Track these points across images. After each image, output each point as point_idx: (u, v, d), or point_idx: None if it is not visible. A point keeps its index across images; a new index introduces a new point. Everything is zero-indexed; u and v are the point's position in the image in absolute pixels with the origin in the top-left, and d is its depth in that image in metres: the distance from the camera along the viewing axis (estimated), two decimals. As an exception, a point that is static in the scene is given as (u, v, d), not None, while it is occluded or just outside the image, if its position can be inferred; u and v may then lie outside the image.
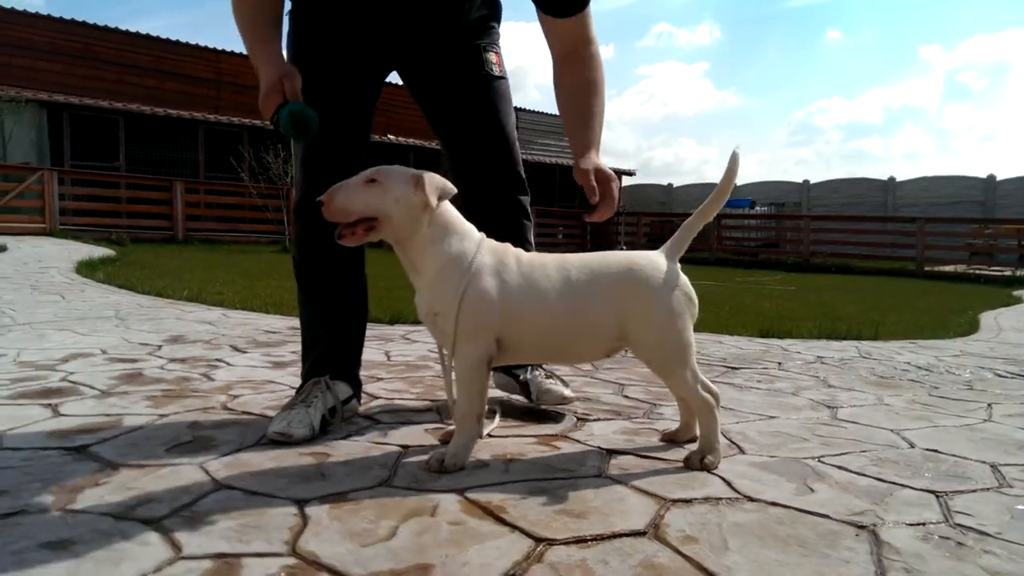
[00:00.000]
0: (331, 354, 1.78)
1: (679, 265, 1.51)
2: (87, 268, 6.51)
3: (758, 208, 20.72)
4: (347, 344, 1.82)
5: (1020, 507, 1.30)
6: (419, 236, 1.43)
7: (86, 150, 14.91)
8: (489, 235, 1.52)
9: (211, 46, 18.04)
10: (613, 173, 1.64)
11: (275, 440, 1.55)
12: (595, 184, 1.61)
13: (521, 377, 1.93)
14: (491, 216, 1.75)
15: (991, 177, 20.44)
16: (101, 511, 1.16)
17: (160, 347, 2.75)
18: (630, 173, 25.11)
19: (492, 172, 1.86)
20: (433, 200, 1.39)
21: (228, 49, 18.22)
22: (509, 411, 1.89)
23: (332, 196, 1.39)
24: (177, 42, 17.57)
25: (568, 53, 1.75)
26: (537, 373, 1.93)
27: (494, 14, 1.92)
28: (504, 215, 1.84)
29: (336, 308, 1.81)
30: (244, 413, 1.80)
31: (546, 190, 21.83)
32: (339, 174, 1.57)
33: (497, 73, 1.88)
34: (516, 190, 1.90)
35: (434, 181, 1.42)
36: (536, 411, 1.91)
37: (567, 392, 1.91)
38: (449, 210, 1.47)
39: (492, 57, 1.88)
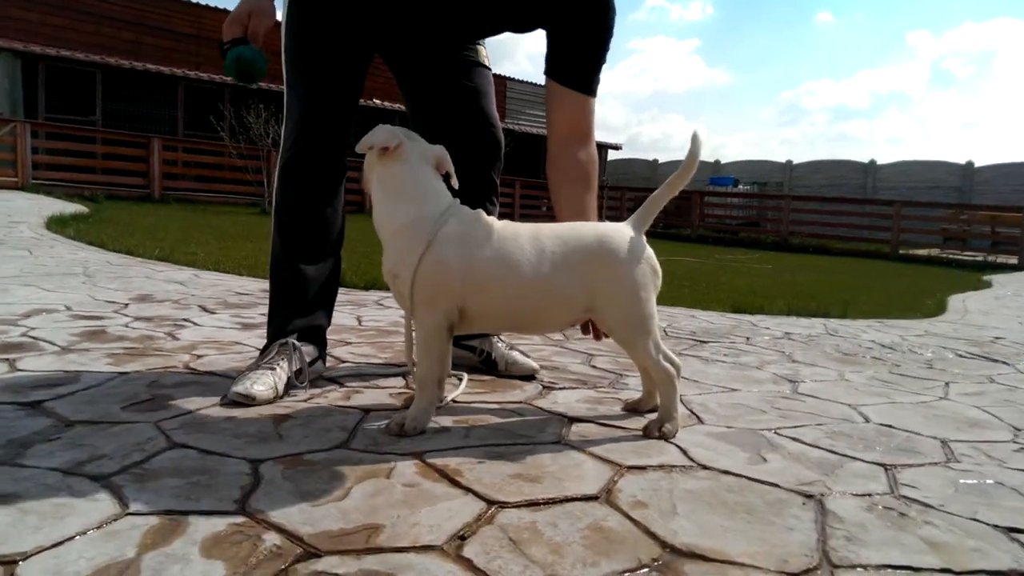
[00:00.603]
0: (301, 316, 1.76)
1: (645, 237, 1.51)
2: (58, 224, 6.38)
3: (741, 187, 20.78)
4: (319, 306, 1.81)
5: (964, 481, 1.33)
6: (375, 192, 1.47)
7: (61, 103, 14.53)
8: None
9: (194, 0, 17.56)
10: None
11: (236, 402, 1.54)
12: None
13: (482, 349, 1.96)
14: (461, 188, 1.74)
15: (969, 164, 20.67)
16: (50, 466, 1.15)
17: (127, 305, 2.71)
18: (616, 147, 25.02)
19: (472, 146, 1.86)
20: (358, 147, 1.46)
21: (211, 4, 17.75)
22: (473, 378, 1.89)
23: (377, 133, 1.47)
24: (159, -7, 17.09)
25: (568, 138, 1.73)
26: (500, 345, 1.95)
27: None
28: (474, 190, 1.81)
29: (313, 269, 1.78)
30: (207, 373, 1.79)
31: (532, 161, 21.71)
32: (334, 134, 1.57)
33: (484, 62, 1.91)
34: (492, 168, 1.94)
35: (373, 132, 1.45)
36: (502, 378, 1.91)
37: (533, 364, 1.97)
38: (404, 172, 1.45)
39: (481, 50, 1.93)
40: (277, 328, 1.76)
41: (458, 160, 1.52)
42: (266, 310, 1.81)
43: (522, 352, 2.00)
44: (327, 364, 1.91)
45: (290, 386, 1.65)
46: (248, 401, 1.53)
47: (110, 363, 1.84)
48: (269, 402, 1.56)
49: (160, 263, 4.29)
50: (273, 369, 1.63)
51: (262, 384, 1.57)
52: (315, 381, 1.75)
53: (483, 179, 1.90)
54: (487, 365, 1.95)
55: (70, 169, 12.50)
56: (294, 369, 1.67)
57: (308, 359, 1.72)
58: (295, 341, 1.71)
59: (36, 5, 15.15)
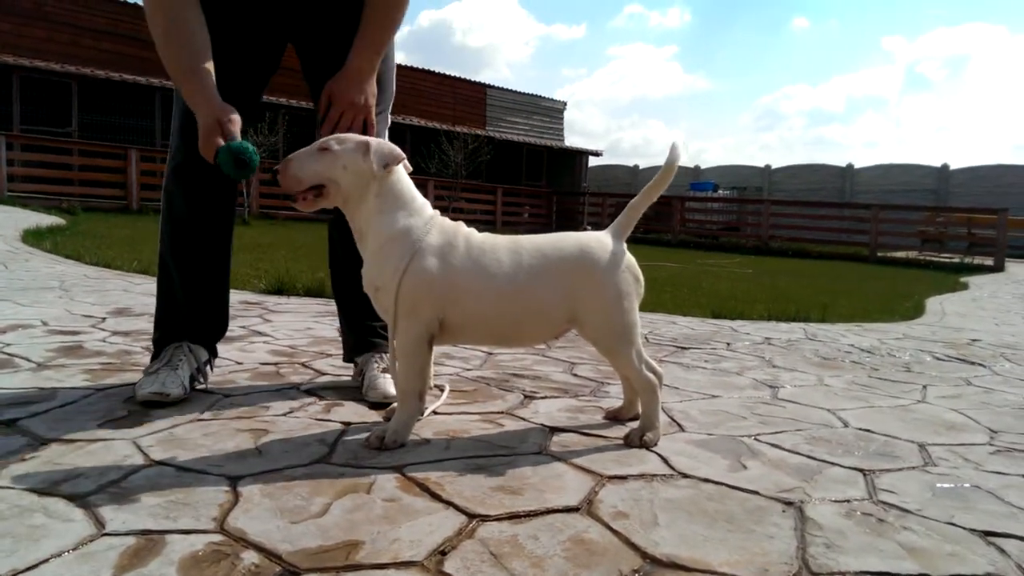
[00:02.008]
0: (193, 320, 1.80)
1: (625, 244, 1.52)
2: (34, 237, 6.29)
3: (721, 192, 20.95)
4: (211, 311, 1.85)
5: (942, 485, 1.35)
6: (366, 205, 1.44)
7: (37, 114, 14.35)
8: None
9: (169, 10, 17.40)
10: (362, 102, 1.62)
11: (150, 401, 1.59)
12: (324, 105, 1.62)
13: (361, 369, 1.87)
14: None
15: (945, 166, 21.02)
16: (25, 486, 1.13)
17: (104, 320, 2.68)
18: (596, 153, 25.16)
19: None
20: (377, 166, 1.40)
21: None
22: (455, 389, 1.89)
23: (287, 165, 1.41)
24: (136, 4, 16.89)
25: None
26: (374, 364, 1.84)
27: None
28: None
29: (203, 276, 1.82)
30: (185, 388, 1.77)
31: (512, 169, 21.76)
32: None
33: None
34: None
35: (382, 148, 1.42)
36: (483, 389, 1.91)
37: (392, 390, 1.72)
38: (401, 183, 1.46)
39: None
40: (170, 331, 1.79)
41: None
42: (244, 322, 1.82)
43: (390, 379, 1.75)
44: (309, 378, 1.90)
45: (194, 384, 1.72)
46: (163, 399, 1.59)
47: (87, 379, 1.81)
48: (179, 399, 1.62)
49: (138, 276, 4.24)
50: (176, 370, 1.68)
51: (172, 383, 1.63)
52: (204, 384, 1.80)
53: None
54: (359, 380, 1.86)
55: (46, 181, 12.33)
56: (193, 368, 1.73)
57: (202, 359, 1.79)
58: (189, 344, 1.77)
59: (9, 16, 14.96)
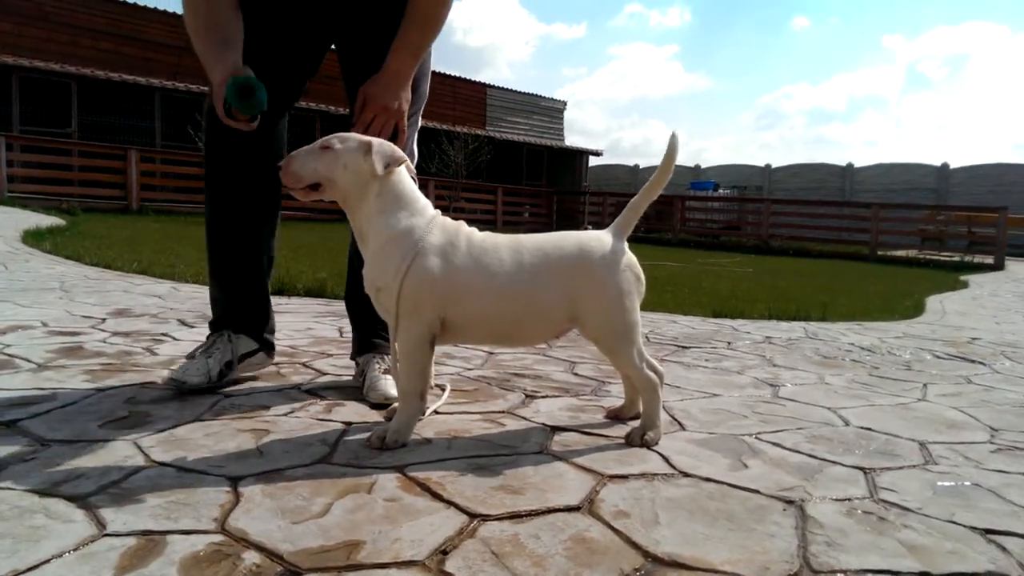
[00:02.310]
0: (234, 308, 1.86)
1: (627, 244, 1.52)
2: (34, 238, 6.29)
3: (721, 191, 20.95)
4: (250, 300, 1.89)
5: (942, 483, 1.35)
6: (367, 205, 1.44)
7: (36, 115, 14.33)
8: None
9: (172, 10, 17.41)
10: (396, 107, 1.64)
11: (168, 387, 1.68)
12: (359, 108, 1.64)
13: (362, 369, 1.86)
14: None
15: (945, 165, 21.01)
16: (25, 487, 1.13)
17: (104, 320, 2.68)
18: (597, 153, 25.16)
19: None
20: (379, 167, 1.40)
21: (187, 14, 17.59)
22: (456, 388, 1.89)
23: (289, 161, 1.43)
24: (135, 5, 16.91)
25: None
26: (375, 365, 1.83)
27: None
28: None
29: (241, 262, 1.87)
30: (185, 388, 1.77)
31: (513, 168, 21.75)
32: (247, 140, 1.61)
33: None
34: None
35: (383, 149, 1.42)
36: (484, 388, 1.91)
37: (392, 392, 1.71)
38: (403, 183, 1.47)
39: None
40: (215, 320, 1.88)
41: None
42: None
43: (391, 380, 1.74)
44: (310, 378, 1.91)
45: (223, 375, 1.77)
46: (179, 386, 1.67)
47: (87, 380, 1.81)
48: (200, 387, 1.69)
49: (138, 276, 4.24)
50: (208, 358, 1.75)
51: (195, 372, 1.70)
52: (258, 369, 1.92)
53: None
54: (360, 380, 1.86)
55: (46, 182, 12.32)
56: (226, 360, 1.78)
57: (244, 350, 1.84)
58: (232, 334, 1.82)
59: (9, 16, 14.95)
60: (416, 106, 1.82)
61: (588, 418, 1.68)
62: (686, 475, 1.32)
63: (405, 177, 1.48)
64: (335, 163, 1.41)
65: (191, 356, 1.79)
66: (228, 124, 1.57)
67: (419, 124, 1.89)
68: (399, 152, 1.44)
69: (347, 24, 1.80)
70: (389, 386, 1.74)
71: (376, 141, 1.43)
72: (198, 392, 1.70)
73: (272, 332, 1.97)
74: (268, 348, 1.94)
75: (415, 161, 1.85)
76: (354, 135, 1.46)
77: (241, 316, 1.87)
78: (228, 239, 1.86)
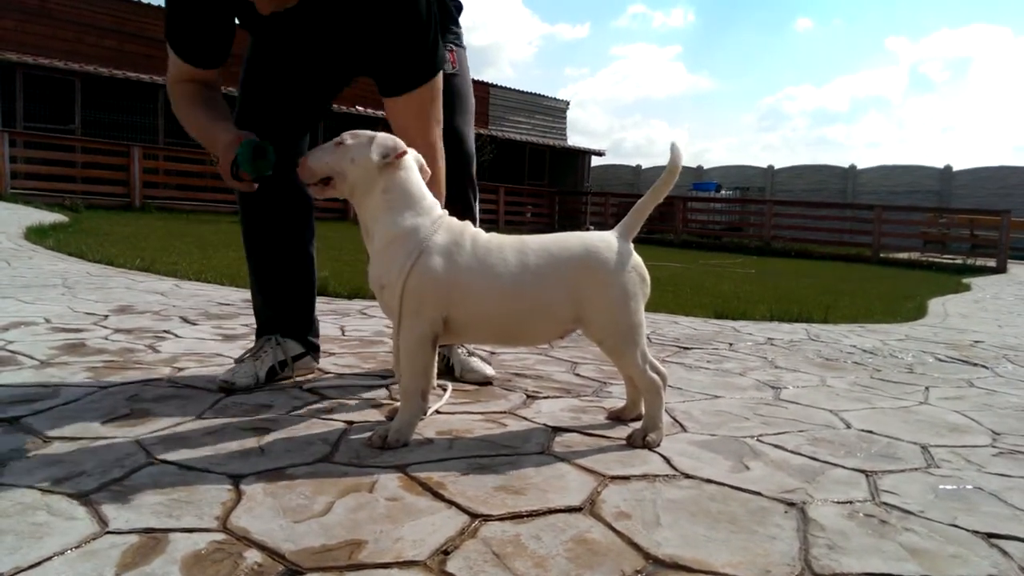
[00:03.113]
0: (278, 314, 1.91)
1: (632, 245, 1.52)
2: (37, 234, 6.30)
3: (724, 192, 20.93)
4: (293, 306, 1.94)
5: (944, 487, 1.35)
6: (373, 201, 1.45)
7: (40, 111, 14.34)
8: None
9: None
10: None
11: (220, 388, 1.73)
12: None
13: (443, 355, 1.99)
14: None
15: (947, 168, 20.97)
16: (28, 484, 1.13)
17: (106, 317, 2.68)
18: (599, 153, 25.14)
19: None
20: (376, 156, 1.41)
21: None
22: (458, 388, 1.89)
23: (306, 158, 1.47)
24: (139, 2, 16.90)
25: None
26: (460, 351, 2.00)
27: (450, 17, 1.99)
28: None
29: (279, 271, 1.92)
30: (187, 387, 1.77)
31: (515, 167, 21.73)
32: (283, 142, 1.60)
33: (449, 70, 1.90)
34: (465, 186, 1.97)
35: (384, 140, 1.44)
36: (486, 388, 1.91)
37: (489, 371, 1.99)
38: (410, 181, 1.47)
39: (446, 55, 1.89)
40: (261, 326, 1.94)
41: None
42: (248, 320, 1.89)
43: (481, 358, 2.05)
44: (312, 376, 1.94)
45: (274, 375, 1.84)
46: (229, 387, 1.73)
47: (90, 377, 1.81)
48: (247, 389, 1.75)
49: (141, 273, 4.25)
50: (256, 361, 1.82)
51: (244, 374, 1.77)
52: (306, 373, 1.96)
53: (456, 196, 1.87)
54: (446, 370, 1.99)
55: (49, 178, 12.33)
56: (278, 360, 1.85)
57: (293, 353, 1.90)
58: (279, 338, 1.88)
59: (13, 12, 14.97)
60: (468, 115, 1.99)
61: (590, 419, 1.68)
62: (688, 477, 1.32)
63: (413, 175, 1.48)
64: (344, 157, 1.44)
65: (240, 360, 1.84)
66: (231, 184, 1.59)
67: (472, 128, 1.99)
68: (399, 143, 1.45)
69: (363, 55, 1.72)
70: (485, 367, 1.97)
71: (380, 134, 1.45)
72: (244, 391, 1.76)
73: (317, 335, 2.02)
74: (314, 351, 1.99)
75: (474, 163, 1.97)
76: (366, 131, 1.47)
77: (286, 322, 1.92)
78: (266, 252, 1.91)
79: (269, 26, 1.61)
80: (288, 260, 1.92)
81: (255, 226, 1.90)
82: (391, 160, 1.43)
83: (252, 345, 1.92)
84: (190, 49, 1.63)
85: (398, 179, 1.45)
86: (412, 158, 1.49)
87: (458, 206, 1.79)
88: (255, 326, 1.98)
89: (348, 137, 1.45)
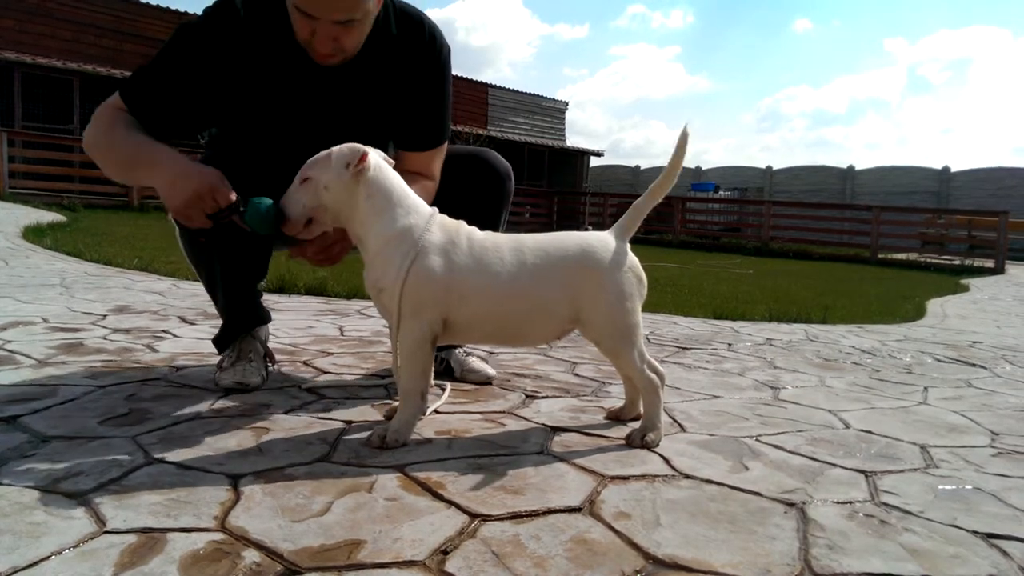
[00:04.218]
0: (244, 309, 1.88)
1: (629, 245, 1.51)
2: (34, 234, 6.29)
3: (722, 192, 20.94)
4: (253, 295, 1.91)
5: (944, 487, 1.35)
6: (359, 213, 1.41)
7: (38, 111, 14.34)
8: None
9: (173, 7, 17.41)
10: None
11: (232, 389, 1.73)
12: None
13: (441, 358, 1.99)
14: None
15: (946, 169, 21.02)
16: (25, 484, 1.13)
17: (104, 317, 2.68)
18: (598, 153, 25.15)
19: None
20: (341, 168, 1.36)
21: (191, 11, 17.62)
22: (457, 388, 1.89)
23: (283, 209, 1.41)
24: (138, 2, 16.89)
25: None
26: (458, 351, 2.00)
27: None
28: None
29: (239, 273, 1.85)
30: (185, 386, 1.77)
31: (514, 168, 21.62)
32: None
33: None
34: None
35: (341, 152, 1.38)
36: (485, 388, 1.91)
37: (490, 370, 1.99)
38: (389, 180, 1.44)
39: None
40: (230, 329, 1.88)
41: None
42: None
43: (480, 358, 2.05)
44: (310, 376, 1.94)
45: (267, 368, 1.87)
46: (244, 387, 1.74)
47: (88, 376, 1.81)
48: (259, 387, 1.77)
49: (139, 273, 4.24)
50: (252, 362, 1.80)
51: (252, 373, 1.77)
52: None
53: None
54: (444, 372, 1.99)
55: (48, 178, 12.31)
56: (262, 355, 1.87)
57: (264, 337, 1.93)
58: (252, 332, 1.88)
59: (11, 12, 14.94)
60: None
61: (589, 419, 1.67)
62: (687, 477, 1.32)
63: (390, 174, 1.45)
64: (317, 189, 1.38)
65: (231, 367, 1.77)
66: (191, 222, 1.47)
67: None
68: (356, 147, 1.38)
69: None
70: (485, 367, 1.98)
71: (334, 149, 1.38)
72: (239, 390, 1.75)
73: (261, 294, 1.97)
74: (268, 319, 1.96)
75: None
76: (319, 155, 1.40)
77: (251, 313, 1.91)
78: (225, 292, 1.85)
79: (303, 83, 1.64)
80: (249, 289, 1.88)
81: (214, 282, 1.85)
82: (358, 166, 1.38)
83: (231, 348, 1.85)
84: (157, 115, 1.58)
85: (376, 181, 1.41)
86: (377, 155, 1.44)
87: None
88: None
89: (308, 169, 1.40)
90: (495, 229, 1.83)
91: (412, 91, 1.75)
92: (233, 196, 1.44)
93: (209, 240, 1.64)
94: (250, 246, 1.77)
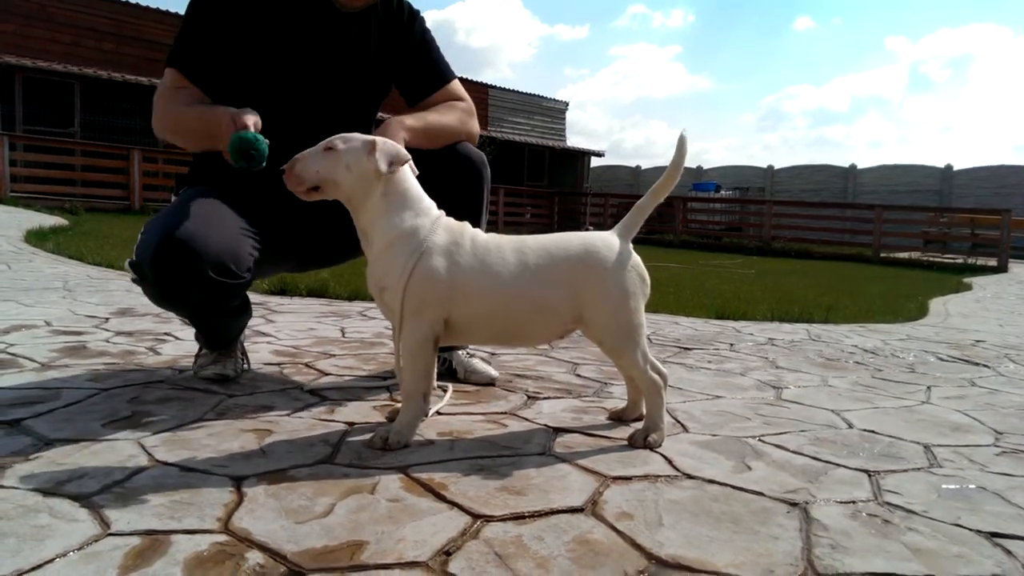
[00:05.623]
0: (214, 342, 1.88)
1: (631, 245, 1.51)
2: (37, 237, 6.30)
3: (723, 192, 20.93)
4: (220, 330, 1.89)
5: (947, 486, 1.34)
6: (371, 205, 1.42)
7: (39, 115, 14.34)
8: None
9: (174, 11, 17.44)
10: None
11: (212, 379, 1.82)
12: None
13: (444, 359, 2.00)
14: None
15: (948, 167, 20.99)
16: (29, 487, 1.13)
17: (107, 320, 2.68)
18: (599, 154, 25.15)
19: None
20: (383, 166, 1.38)
21: (190, 14, 17.60)
22: (459, 389, 1.89)
23: (293, 164, 1.41)
24: (138, 5, 16.92)
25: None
26: (461, 353, 2.01)
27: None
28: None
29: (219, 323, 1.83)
30: (188, 388, 1.77)
31: (515, 169, 21.74)
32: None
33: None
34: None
35: (387, 148, 1.40)
36: (486, 389, 1.91)
37: (493, 372, 2.00)
38: (407, 182, 1.45)
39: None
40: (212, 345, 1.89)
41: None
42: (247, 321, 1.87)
43: (483, 359, 2.05)
44: (312, 378, 1.94)
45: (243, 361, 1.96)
46: (223, 378, 1.83)
47: (90, 379, 1.81)
48: (235, 379, 1.85)
49: (141, 276, 4.24)
50: (230, 358, 1.88)
51: (229, 366, 1.85)
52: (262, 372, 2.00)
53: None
54: (447, 373, 1.99)
55: (49, 182, 12.33)
56: (241, 351, 1.94)
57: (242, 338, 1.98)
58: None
59: (12, 16, 14.97)
60: None
61: (591, 419, 1.67)
62: (689, 477, 1.32)
63: (410, 176, 1.47)
64: (338, 164, 1.39)
65: (213, 362, 1.85)
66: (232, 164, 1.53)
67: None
68: (403, 151, 1.43)
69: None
70: (488, 368, 1.99)
71: (380, 140, 1.41)
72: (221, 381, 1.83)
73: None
74: (244, 323, 1.95)
75: None
76: (357, 135, 1.43)
77: (222, 345, 1.91)
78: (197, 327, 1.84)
79: (323, 28, 1.76)
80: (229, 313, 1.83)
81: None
82: (395, 169, 1.41)
83: (204, 357, 1.88)
84: (202, 67, 1.71)
85: (398, 180, 1.43)
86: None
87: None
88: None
89: (339, 142, 1.40)
90: (477, 219, 1.86)
91: (399, 46, 1.89)
92: (250, 122, 1.51)
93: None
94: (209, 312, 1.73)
